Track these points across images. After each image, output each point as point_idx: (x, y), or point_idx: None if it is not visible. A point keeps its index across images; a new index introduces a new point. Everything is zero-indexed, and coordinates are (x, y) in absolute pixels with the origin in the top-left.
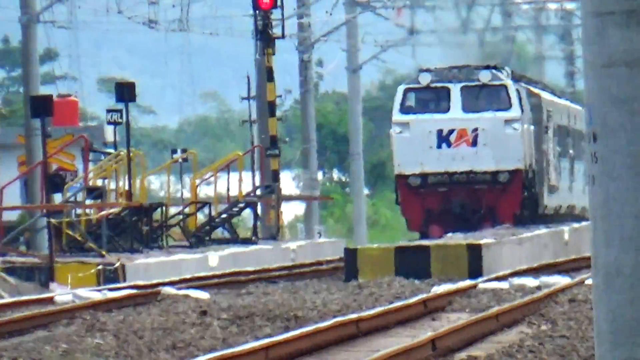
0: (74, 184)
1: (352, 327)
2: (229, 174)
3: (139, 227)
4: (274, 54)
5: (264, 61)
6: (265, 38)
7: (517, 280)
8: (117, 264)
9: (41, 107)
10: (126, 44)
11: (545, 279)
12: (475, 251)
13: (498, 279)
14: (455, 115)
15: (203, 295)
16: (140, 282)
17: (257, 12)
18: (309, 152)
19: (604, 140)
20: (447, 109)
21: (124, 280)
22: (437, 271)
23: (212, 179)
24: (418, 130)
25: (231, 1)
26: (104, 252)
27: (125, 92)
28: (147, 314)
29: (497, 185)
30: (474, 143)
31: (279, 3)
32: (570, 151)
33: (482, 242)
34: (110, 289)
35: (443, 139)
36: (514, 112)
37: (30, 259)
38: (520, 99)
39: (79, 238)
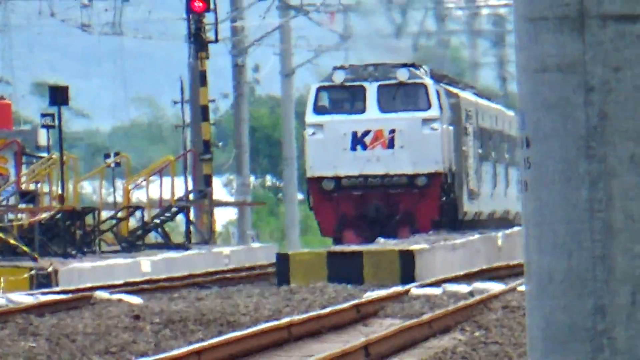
0: (6, 188)
1: (284, 332)
2: (161, 178)
3: (71, 231)
4: (207, 58)
5: (197, 65)
6: (198, 42)
7: (450, 287)
8: (50, 269)
9: None
10: (60, 48)
11: (479, 285)
12: (407, 257)
13: (431, 284)
14: (371, 116)
15: (136, 300)
16: (73, 287)
17: (191, 15)
18: (242, 156)
19: (537, 145)
20: (363, 109)
21: (57, 285)
22: (370, 277)
23: (145, 183)
24: (332, 131)
25: (165, 4)
26: (36, 256)
27: (58, 95)
28: (80, 318)
29: (414, 189)
30: (391, 145)
31: (212, 7)
32: (493, 154)
33: (414, 247)
34: (43, 293)
35: (358, 140)
36: (433, 111)
37: None
38: (439, 98)
39: (12, 242)
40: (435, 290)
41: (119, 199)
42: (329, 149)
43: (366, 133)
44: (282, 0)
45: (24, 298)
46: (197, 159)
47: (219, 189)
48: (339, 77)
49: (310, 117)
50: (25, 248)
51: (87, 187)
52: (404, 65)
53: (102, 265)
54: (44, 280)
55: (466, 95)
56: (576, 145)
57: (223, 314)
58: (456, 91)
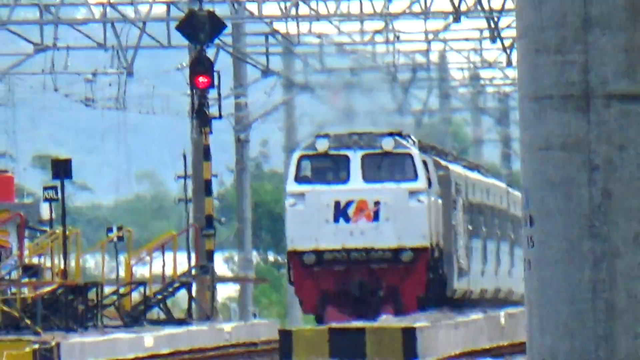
0: (9, 261)
1: None
2: (163, 253)
3: (74, 305)
4: (211, 133)
5: (200, 140)
6: (201, 117)
7: None
8: (52, 343)
9: None
10: (63, 122)
11: None
12: (410, 334)
13: None
14: (355, 186)
15: None
16: None
17: (194, 91)
18: (244, 231)
19: (540, 224)
20: (346, 179)
21: (59, 359)
22: (373, 353)
23: (148, 258)
24: (313, 202)
25: (168, 80)
26: (39, 330)
27: (61, 168)
28: None
29: (399, 264)
30: (375, 217)
31: (216, 83)
32: (484, 229)
33: (416, 325)
34: None
35: (341, 212)
36: (420, 182)
37: None
38: (428, 170)
39: (15, 315)
40: None
41: (122, 273)
42: (310, 220)
43: (349, 204)
44: (286, 77)
45: None
46: (199, 234)
47: (220, 265)
48: (322, 145)
49: (291, 186)
50: (28, 321)
51: (90, 261)
52: (390, 134)
53: (104, 340)
54: (46, 354)
55: (456, 167)
56: (579, 224)
57: None
58: (445, 163)
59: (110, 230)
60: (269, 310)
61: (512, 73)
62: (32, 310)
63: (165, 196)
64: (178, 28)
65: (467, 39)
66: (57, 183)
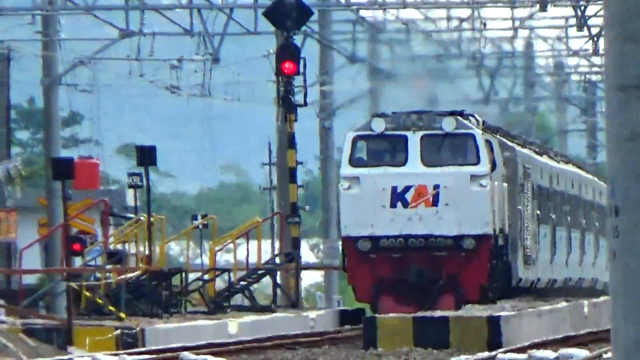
0: (94, 248)
1: None
2: (248, 241)
3: (158, 292)
4: (296, 121)
5: (285, 128)
6: (287, 105)
7: (536, 353)
8: (136, 329)
9: (62, 169)
10: (148, 108)
11: (564, 351)
12: (494, 323)
13: (517, 350)
14: (413, 170)
15: None
16: (159, 347)
17: (280, 78)
18: (329, 220)
19: (626, 214)
20: (404, 162)
21: (143, 345)
22: (456, 342)
23: (232, 245)
24: (369, 186)
25: (253, 68)
26: (123, 316)
27: (145, 156)
28: None
29: (460, 252)
30: (435, 202)
31: (301, 70)
32: (553, 216)
33: (501, 314)
34: (129, 354)
35: (398, 196)
36: (482, 166)
37: (49, 322)
38: (492, 152)
39: (99, 301)
40: (521, 356)
41: (206, 260)
42: (365, 205)
43: (407, 188)
44: (371, 64)
45: (109, 358)
46: (284, 222)
47: (306, 252)
48: (378, 126)
49: (346, 169)
50: (111, 307)
51: (174, 248)
52: (451, 114)
53: (188, 326)
54: (129, 340)
55: (524, 150)
56: None
57: None
58: (511, 144)
59: (195, 217)
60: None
61: (599, 61)
62: (116, 296)
63: (250, 184)
64: (265, 14)
65: (553, 27)
66: (142, 170)
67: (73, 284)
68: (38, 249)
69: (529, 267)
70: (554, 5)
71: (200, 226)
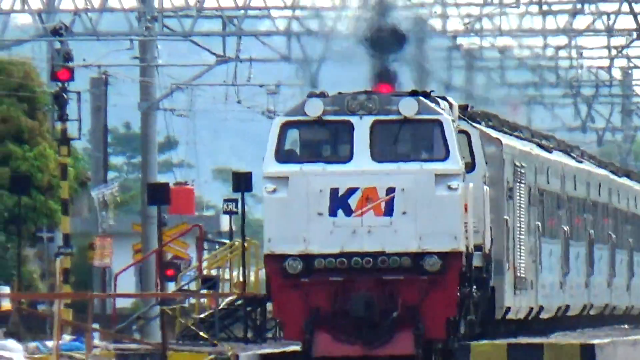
0: (187, 273)
1: None
2: None
3: (252, 317)
4: None
5: None
6: None
7: None
8: (229, 354)
9: (158, 194)
10: (243, 133)
11: None
12: (588, 351)
13: None
14: (360, 167)
15: None
16: None
17: None
18: None
19: None
20: (348, 157)
21: None
22: None
23: None
24: (301, 188)
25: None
26: (216, 342)
27: (241, 181)
28: None
29: (421, 275)
30: (388, 210)
31: None
32: (565, 228)
33: (595, 342)
34: None
35: (340, 202)
36: (452, 163)
37: (143, 346)
38: (470, 146)
39: (192, 327)
40: None
41: None
42: (296, 213)
43: (352, 192)
44: (467, 91)
45: None
46: None
47: None
48: (314, 109)
49: (270, 167)
50: (205, 333)
51: None
52: (412, 94)
53: (281, 352)
54: None
55: (516, 143)
56: None
57: None
58: (497, 136)
59: None
60: None
61: None
62: (210, 321)
63: None
64: (363, 40)
65: None
66: (238, 196)
67: (167, 309)
68: (133, 274)
69: (521, 293)
70: None
71: None
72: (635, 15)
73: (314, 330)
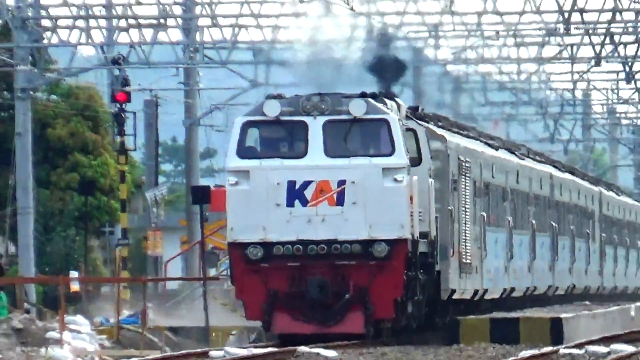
0: (226, 261)
1: None
2: None
3: None
4: None
5: None
6: None
7: (591, 348)
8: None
9: (200, 195)
10: None
11: (615, 346)
12: (557, 323)
13: (576, 346)
14: (314, 162)
15: (332, 353)
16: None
17: None
18: None
19: None
20: (304, 153)
21: (267, 340)
22: (525, 339)
23: None
24: (261, 181)
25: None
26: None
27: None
28: None
29: (370, 260)
30: (340, 201)
31: None
32: (509, 218)
33: (562, 316)
34: (255, 347)
35: (296, 193)
36: (398, 157)
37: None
38: (416, 142)
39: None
40: (579, 351)
41: None
42: (256, 204)
43: (307, 184)
44: (455, 110)
45: (239, 350)
46: None
47: None
48: (271, 109)
49: (232, 162)
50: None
51: None
52: (361, 96)
53: None
54: (256, 337)
55: (461, 140)
56: None
57: None
58: (442, 133)
59: None
60: None
61: None
62: None
63: None
64: (368, 69)
65: (606, 80)
66: None
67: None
68: (180, 261)
69: (467, 276)
70: (607, 62)
71: None
72: (593, 46)
73: (273, 310)
